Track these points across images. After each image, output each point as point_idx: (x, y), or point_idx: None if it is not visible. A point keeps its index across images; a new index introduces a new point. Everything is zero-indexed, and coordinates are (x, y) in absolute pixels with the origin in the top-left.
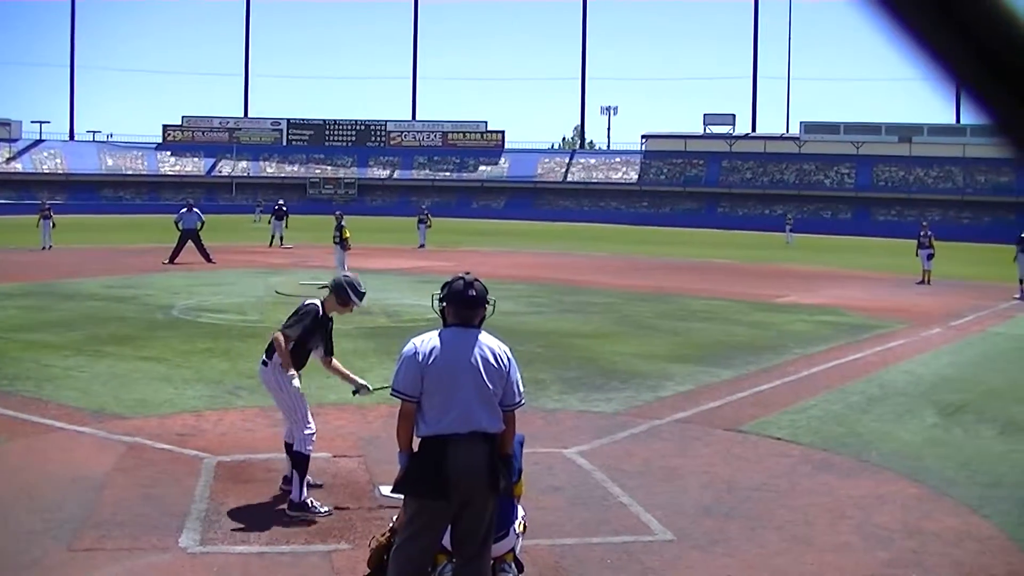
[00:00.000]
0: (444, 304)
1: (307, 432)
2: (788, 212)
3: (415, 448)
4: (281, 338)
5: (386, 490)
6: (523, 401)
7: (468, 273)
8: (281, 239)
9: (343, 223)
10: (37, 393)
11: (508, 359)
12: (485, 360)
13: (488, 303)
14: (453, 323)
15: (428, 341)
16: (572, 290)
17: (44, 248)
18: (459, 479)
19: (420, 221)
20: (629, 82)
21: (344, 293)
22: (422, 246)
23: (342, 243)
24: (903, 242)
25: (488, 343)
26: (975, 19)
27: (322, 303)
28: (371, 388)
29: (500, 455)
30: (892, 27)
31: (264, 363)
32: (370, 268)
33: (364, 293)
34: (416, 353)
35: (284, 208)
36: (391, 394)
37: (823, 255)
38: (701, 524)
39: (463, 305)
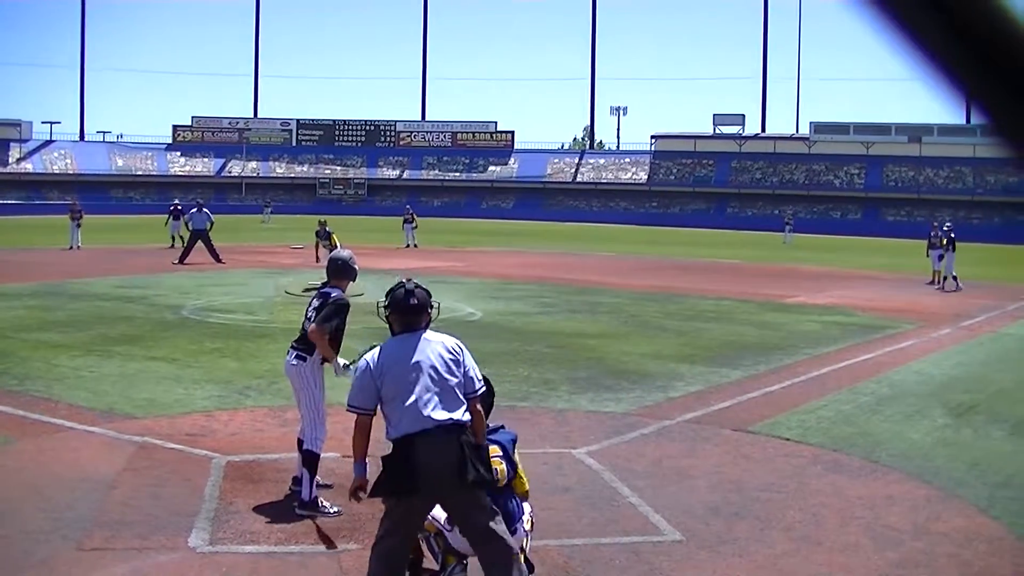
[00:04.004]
0: (389, 312)
1: (320, 433)
2: (786, 212)
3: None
4: (319, 333)
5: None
6: (483, 388)
7: (410, 280)
8: (182, 239)
9: (329, 229)
10: (46, 393)
11: (460, 349)
12: (437, 355)
13: (431, 307)
14: (399, 331)
15: (378, 354)
16: (581, 290)
17: (71, 248)
18: (426, 472)
19: (406, 221)
20: (638, 82)
21: (352, 270)
22: (415, 246)
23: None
24: (913, 242)
25: (435, 339)
26: (974, 20)
27: (341, 290)
28: (343, 365)
29: (472, 446)
30: (893, 30)
31: (302, 358)
32: (379, 268)
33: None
34: (367, 368)
35: (180, 208)
36: (347, 410)
37: (830, 255)
38: (710, 524)
39: (406, 312)
